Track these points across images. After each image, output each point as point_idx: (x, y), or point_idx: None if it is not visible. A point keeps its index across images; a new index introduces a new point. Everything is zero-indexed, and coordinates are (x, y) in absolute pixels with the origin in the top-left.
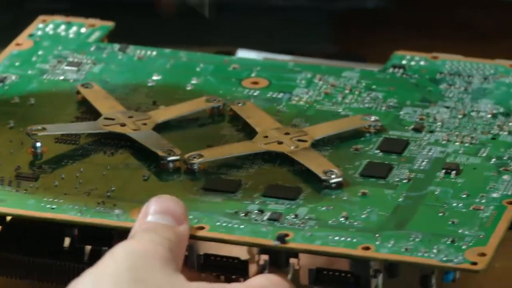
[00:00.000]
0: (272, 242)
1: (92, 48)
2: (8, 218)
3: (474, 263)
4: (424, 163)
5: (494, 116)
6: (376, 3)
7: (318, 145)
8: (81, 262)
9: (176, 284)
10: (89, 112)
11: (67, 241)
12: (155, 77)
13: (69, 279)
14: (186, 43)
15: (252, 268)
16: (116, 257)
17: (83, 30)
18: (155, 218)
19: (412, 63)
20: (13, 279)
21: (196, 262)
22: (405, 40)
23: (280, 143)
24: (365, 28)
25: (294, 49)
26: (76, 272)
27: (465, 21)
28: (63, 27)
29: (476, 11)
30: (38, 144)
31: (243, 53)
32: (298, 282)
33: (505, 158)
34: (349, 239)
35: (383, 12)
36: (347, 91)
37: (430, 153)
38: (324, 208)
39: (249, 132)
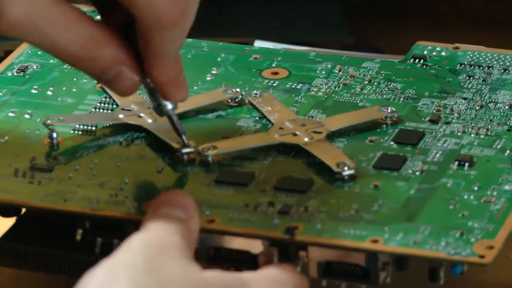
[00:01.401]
0: (281, 235)
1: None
2: (23, 210)
3: (482, 256)
4: (438, 155)
5: None
6: None
7: (333, 136)
8: (93, 254)
9: (191, 273)
10: (108, 102)
11: (79, 233)
12: None
13: (80, 271)
14: (202, 33)
15: (262, 260)
16: (131, 248)
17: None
18: (165, 211)
19: (433, 53)
20: (26, 271)
21: (206, 255)
22: (422, 31)
23: (295, 134)
24: (382, 19)
25: (310, 40)
26: (88, 265)
27: (483, 11)
28: None
29: (494, 1)
30: (54, 135)
31: (259, 44)
32: (307, 274)
33: None
34: (358, 232)
35: (399, 3)
36: (366, 82)
37: (445, 145)
38: (335, 200)
39: (265, 124)
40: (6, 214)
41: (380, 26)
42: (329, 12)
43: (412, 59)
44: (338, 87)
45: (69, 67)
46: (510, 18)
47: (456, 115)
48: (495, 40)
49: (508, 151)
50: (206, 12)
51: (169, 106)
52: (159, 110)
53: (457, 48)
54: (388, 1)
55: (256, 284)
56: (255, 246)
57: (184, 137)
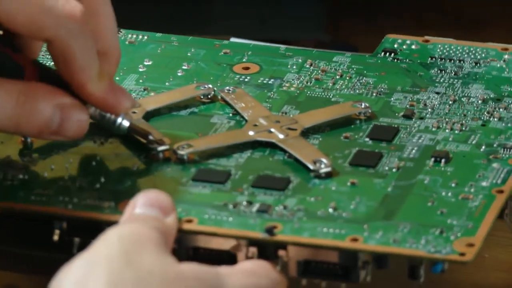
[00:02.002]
0: (260, 234)
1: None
2: None
3: (462, 254)
4: (413, 151)
5: (485, 101)
6: None
7: (308, 133)
8: (71, 254)
9: (168, 265)
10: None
11: (56, 234)
12: (146, 62)
13: (58, 272)
14: (177, 31)
15: (241, 260)
16: (108, 240)
17: None
18: (142, 210)
19: (404, 47)
20: (3, 271)
21: (185, 255)
22: (397, 29)
23: (269, 132)
24: (358, 17)
25: (286, 38)
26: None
27: (455, 8)
28: None
29: None
30: None
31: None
32: (287, 274)
33: (495, 145)
34: (337, 230)
35: (375, 1)
36: (338, 77)
37: (420, 141)
38: (313, 198)
39: (239, 120)
40: None
41: (357, 24)
42: (306, 10)
43: (382, 53)
44: (310, 82)
45: None
46: (481, 14)
47: (429, 110)
48: (467, 36)
49: (483, 147)
50: (182, 10)
51: (124, 122)
52: (116, 128)
53: (427, 41)
54: None
55: (232, 276)
56: (234, 246)
57: (152, 137)
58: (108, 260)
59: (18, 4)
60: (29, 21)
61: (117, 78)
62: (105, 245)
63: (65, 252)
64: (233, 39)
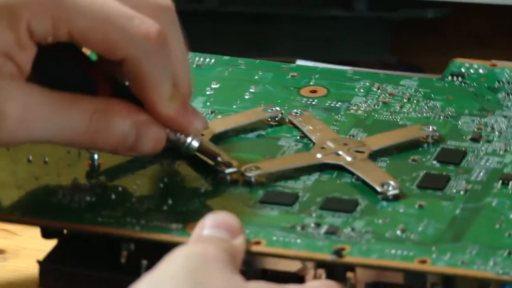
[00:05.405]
0: (328, 256)
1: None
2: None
3: None
4: (481, 174)
5: None
6: (436, 12)
7: (375, 155)
8: (138, 276)
9: (236, 283)
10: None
11: (124, 255)
12: (213, 85)
13: None
14: (244, 53)
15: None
16: (174, 261)
17: None
18: (210, 232)
19: (471, 71)
20: None
21: (253, 277)
22: (464, 50)
23: (337, 154)
24: (424, 38)
25: (352, 59)
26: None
27: None
28: None
29: None
30: (96, 156)
31: (301, 64)
32: None
33: None
34: (405, 252)
35: (442, 22)
36: (405, 100)
37: (487, 164)
38: (381, 220)
39: (307, 143)
40: (48, 236)
41: (423, 45)
42: (371, 31)
43: (450, 77)
44: (378, 105)
45: None
46: None
47: (497, 133)
48: None
49: None
50: (248, 32)
51: (193, 142)
52: (185, 149)
53: (494, 65)
54: (430, 20)
55: None
56: (302, 268)
57: (220, 158)
58: (174, 280)
59: (92, 22)
60: (103, 40)
61: None
62: (171, 264)
63: (133, 274)
64: (299, 61)
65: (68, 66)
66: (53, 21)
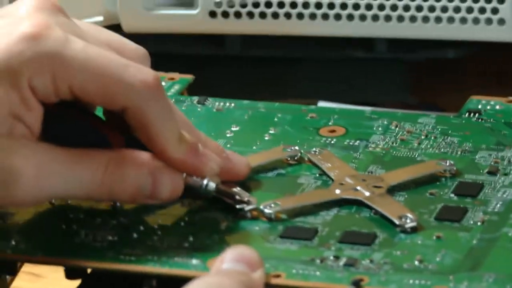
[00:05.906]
0: (347, 287)
1: (172, 101)
2: (88, 270)
3: None
4: (498, 205)
5: None
6: (456, 53)
7: (393, 190)
8: None
9: None
10: None
11: None
12: (233, 128)
13: None
14: (266, 96)
15: None
16: None
17: (163, 83)
18: (229, 266)
19: (488, 107)
20: None
21: None
22: (484, 89)
23: (356, 190)
24: (445, 77)
25: (373, 100)
26: None
27: None
28: None
29: None
30: None
31: (323, 105)
32: None
33: None
34: (423, 281)
35: (462, 61)
36: (423, 137)
37: (504, 195)
38: (399, 252)
39: (326, 180)
40: (72, 276)
41: (444, 86)
42: (392, 72)
43: (467, 114)
44: (396, 143)
45: None
46: None
47: None
48: None
49: None
50: (270, 75)
51: (210, 184)
52: (203, 191)
53: (510, 101)
54: (451, 60)
55: None
56: None
57: (238, 197)
58: None
59: (90, 76)
60: (102, 92)
61: None
62: None
63: None
64: (321, 103)
65: (77, 124)
66: (53, 77)
